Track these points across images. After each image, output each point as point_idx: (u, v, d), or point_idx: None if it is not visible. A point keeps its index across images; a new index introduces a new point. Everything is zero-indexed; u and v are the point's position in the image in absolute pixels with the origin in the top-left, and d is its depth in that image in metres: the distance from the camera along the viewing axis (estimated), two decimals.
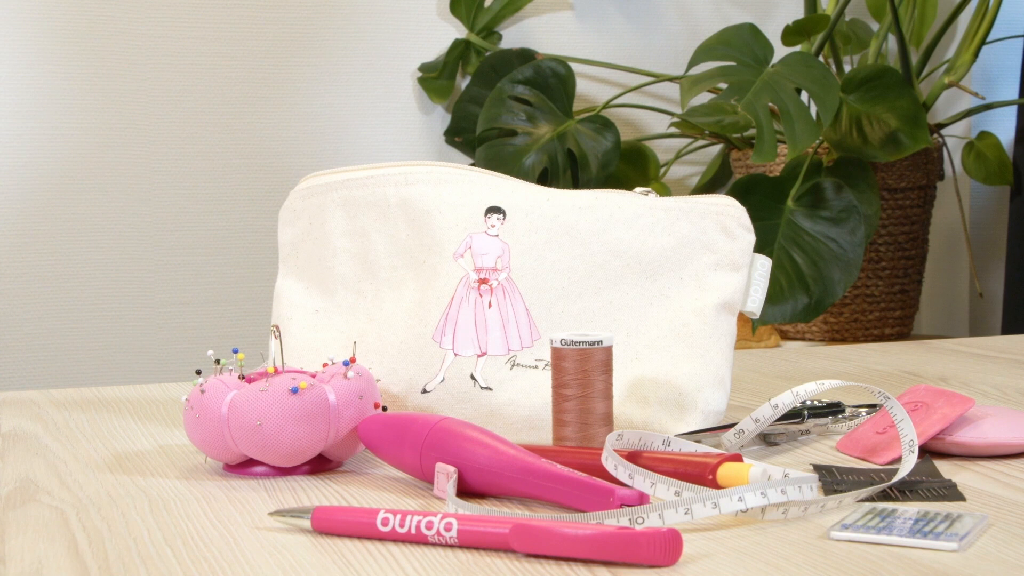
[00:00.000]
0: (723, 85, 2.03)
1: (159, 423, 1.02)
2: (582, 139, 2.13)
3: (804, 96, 2.07)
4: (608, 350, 0.85)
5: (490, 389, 0.92)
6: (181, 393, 1.14)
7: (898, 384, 1.12)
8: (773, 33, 2.27)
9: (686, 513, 0.68)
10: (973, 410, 0.88)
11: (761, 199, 1.93)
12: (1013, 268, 2.28)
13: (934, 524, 0.68)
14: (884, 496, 0.76)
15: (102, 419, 1.04)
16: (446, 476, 0.77)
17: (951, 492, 0.77)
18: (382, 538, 0.70)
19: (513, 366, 0.93)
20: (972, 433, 0.85)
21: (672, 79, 2.21)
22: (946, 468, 0.83)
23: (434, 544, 0.69)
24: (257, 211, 2.20)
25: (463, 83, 2.30)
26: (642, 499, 0.71)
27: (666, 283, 0.94)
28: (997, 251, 2.41)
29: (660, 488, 0.73)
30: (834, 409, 0.94)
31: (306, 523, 0.71)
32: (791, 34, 2.08)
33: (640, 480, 0.73)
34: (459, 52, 2.27)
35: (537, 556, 0.66)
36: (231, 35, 2.18)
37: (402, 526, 0.69)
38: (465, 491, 0.78)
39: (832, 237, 1.92)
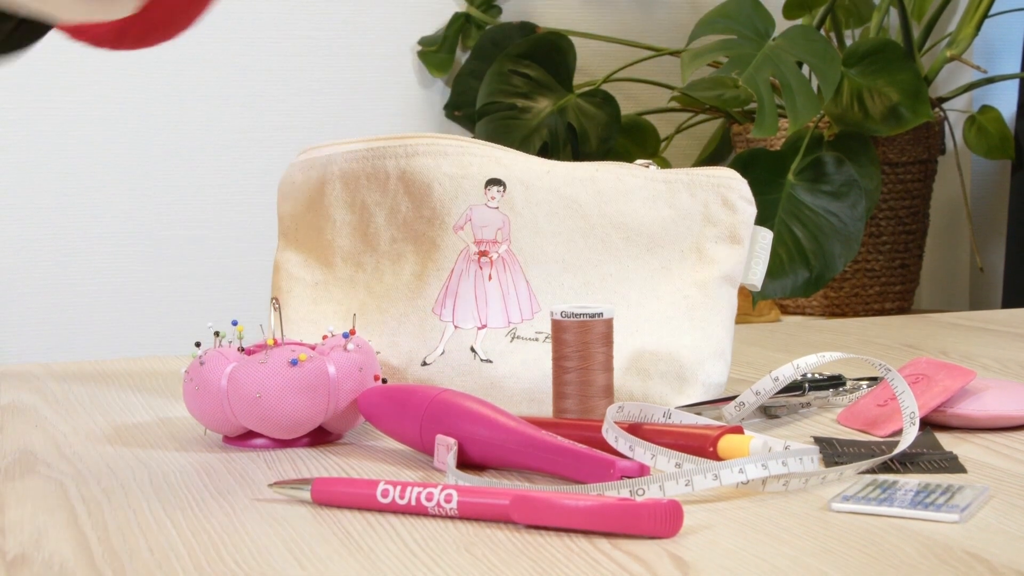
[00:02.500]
0: (724, 59, 2.02)
1: (159, 395, 1.02)
2: (582, 113, 2.13)
3: (805, 70, 2.06)
4: (608, 322, 0.85)
5: (490, 361, 0.92)
6: (180, 366, 1.14)
7: (899, 357, 1.12)
8: (774, 6, 2.26)
9: (687, 485, 0.68)
10: (974, 382, 0.87)
11: (762, 173, 1.92)
12: (1014, 242, 2.28)
13: (935, 496, 0.68)
14: (885, 468, 0.76)
15: (102, 392, 1.03)
16: (446, 448, 0.77)
17: (952, 464, 0.76)
18: (382, 510, 0.69)
19: (513, 339, 0.92)
20: (973, 405, 0.85)
21: (673, 53, 2.20)
22: (947, 440, 0.83)
23: (434, 516, 0.69)
24: (257, 185, 2.20)
25: (463, 57, 2.30)
26: (643, 471, 0.71)
27: (667, 255, 0.94)
28: (998, 225, 2.41)
29: (661, 460, 0.72)
30: (835, 382, 0.94)
31: (306, 495, 0.71)
32: (792, 7, 2.07)
33: (641, 452, 0.73)
34: (459, 26, 2.27)
35: (537, 527, 0.66)
36: (231, 9, 2.17)
37: (402, 498, 0.69)
38: (465, 463, 0.78)
39: (833, 211, 1.91)
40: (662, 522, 0.63)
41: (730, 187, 0.95)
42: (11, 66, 2.08)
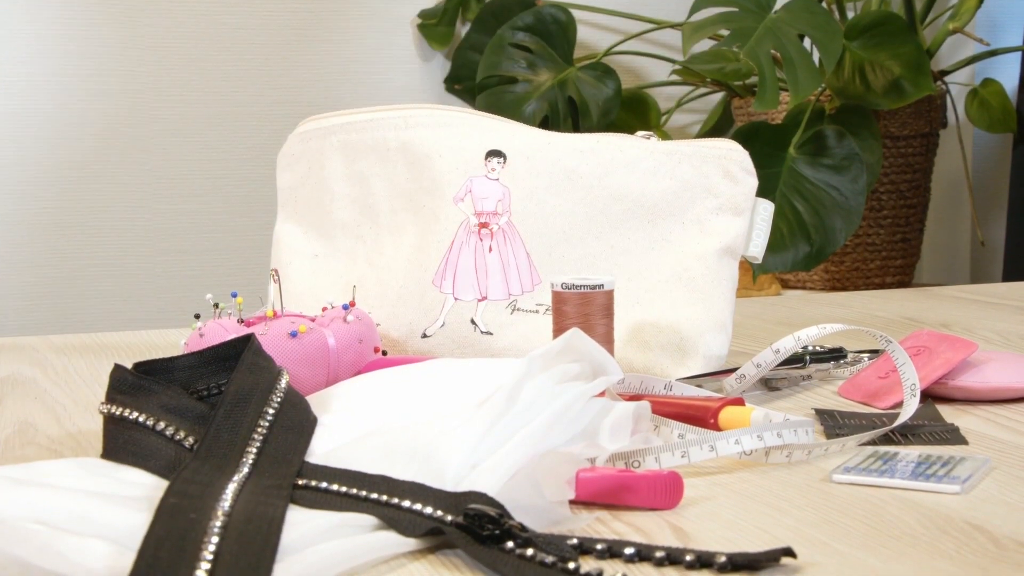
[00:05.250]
0: (725, 32, 2.01)
1: None
2: (583, 87, 2.12)
3: (807, 43, 2.06)
4: (609, 294, 0.85)
5: (490, 334, 0.92)
6: (179, 338, 1.14)
7: (900, 330, 1.12)
8: None
9: (683, 456, 0.68)
10: (976, 355, 0.87)
11: (763, 147, 1.92)
12: (1015, 216, 2.28)
13: (936, 467, 0.68)
14: (886, 440, 0.76)
15: (101, 364, 1.03)
16: None
17: (953, 436, 0.76)
18: None
19: (514, 311, 0.92)
20: (975, 378, 0.85)
21: (674, 26, 2.19)
22: (948, 412, 0.83)
23: None
24: (256, 158, 2.20)
25: (463, 30, 2.29)
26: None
27: (668, 227, 0.94)
28: (999, 199, 2.41)
29: (664, 430, 0.72)
30: (836, 354, 0.94)
31: None
32: None
33: (645, 423, 0.73)
34: None
35: None
36: None
37: None
38: None
39: (834, 185, 1.91)
40: (662, 494, 0.63)
41: (731, 158, 0.94)
42: (11, 40, 2.07)
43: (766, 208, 0.95)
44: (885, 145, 2.08)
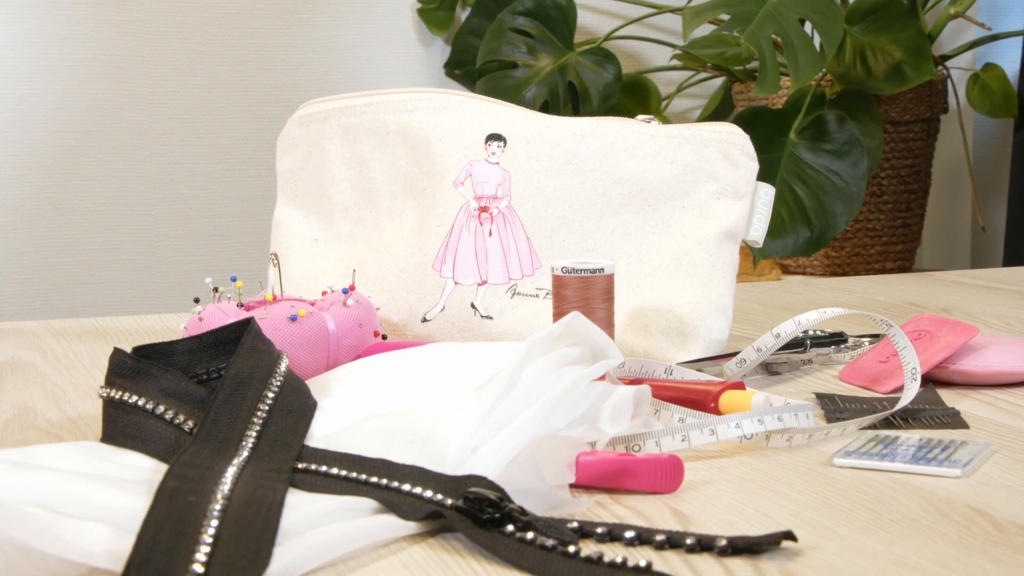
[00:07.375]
0: (726, 16, 2.01)
1: None
2: (583, 72, 2.12)
3: (808, 27, 2.05)
4: (609, 278, 0.85)
5: (490, 318, 0.92)
6: (179, 323, 1.14)
7: (901, 315, 1.12)
8: None
9: (683, 440, 0.67)
10: (976, 339, 0.87)
11: (763, 132, 1.91)
12: (1016, 201, 2.27)
13: (937, 451, 0.68)
14: (887, 424, 0.75)
15: (101, 349, 1.03)
16: None
17: (954, 420, 0.76)
18: None
19: (514, 295, 0.92)
20: (976, 362, 0.85)
21: (674, 10, 2.19)
22: (949, 396, 0.83)
23: None
24: (255, 143, 2.19)
25: (463, 15, 2.28)
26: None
27: (668, 211, 0.93)
28: (1000, 184, 2.40)
29: (664, 414, 0.72)
30: (837, 339, 0.93)
31: None
32: None
33: (645, 407, 0.73)
34: None
35: None
36: None
37: None
38: None
39: (834, 170, 1.90)
40: (662, 477, 0.63)
41: (732, 142, 0.94)
42: (10, 25, 2.07)
43: (767, 192, 0.95)
44: (886, 130, 2.08)
